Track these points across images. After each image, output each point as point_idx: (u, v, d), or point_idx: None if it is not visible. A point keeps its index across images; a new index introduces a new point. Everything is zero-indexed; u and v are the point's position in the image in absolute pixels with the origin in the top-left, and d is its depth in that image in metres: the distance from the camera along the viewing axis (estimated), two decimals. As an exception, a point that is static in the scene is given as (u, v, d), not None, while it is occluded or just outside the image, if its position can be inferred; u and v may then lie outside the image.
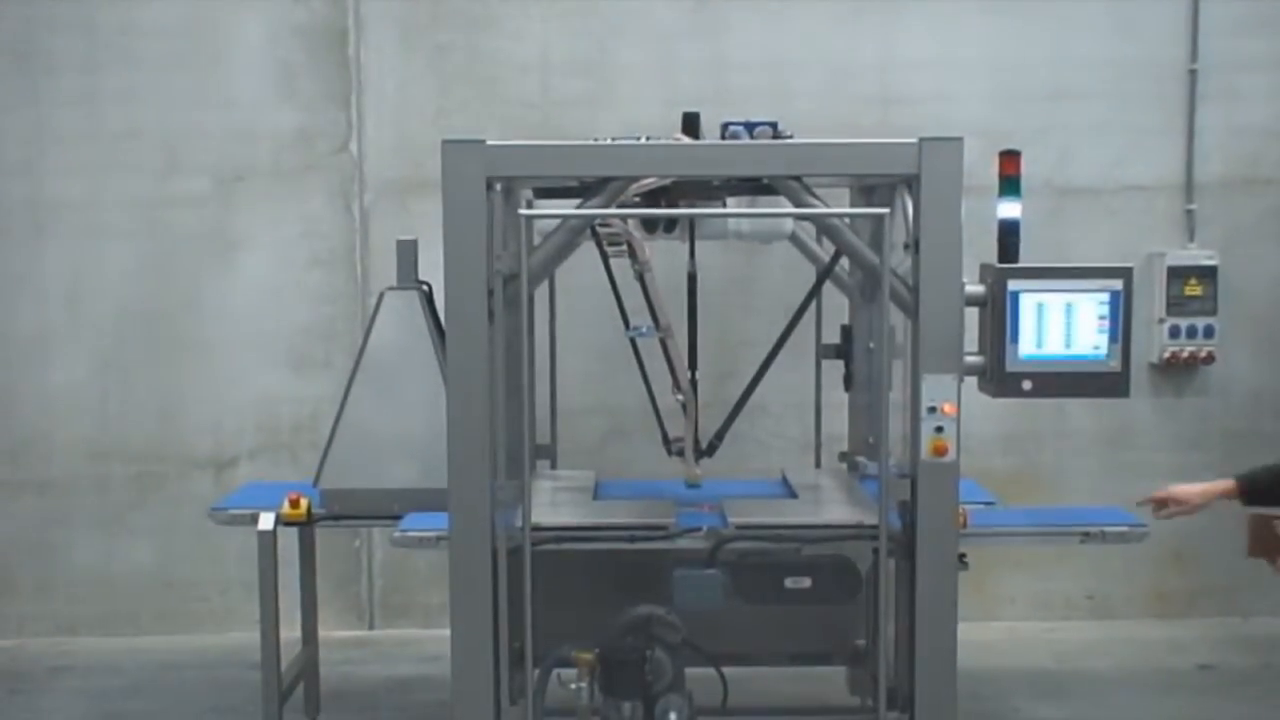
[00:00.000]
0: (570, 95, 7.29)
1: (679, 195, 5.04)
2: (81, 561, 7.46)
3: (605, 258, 5.37)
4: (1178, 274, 7.27)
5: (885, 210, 4.72)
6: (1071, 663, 6.85)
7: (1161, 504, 4.57)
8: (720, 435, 5.40)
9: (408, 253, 5.65)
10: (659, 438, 5.52)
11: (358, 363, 5.57)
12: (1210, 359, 7.31)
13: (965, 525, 4.96)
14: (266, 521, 5.44)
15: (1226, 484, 4.45)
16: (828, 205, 4.95)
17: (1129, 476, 7.31)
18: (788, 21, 7.29)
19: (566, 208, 5.03)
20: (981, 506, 5.48)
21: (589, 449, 7.07)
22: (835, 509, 5.40)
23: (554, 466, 6.35)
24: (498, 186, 4.68)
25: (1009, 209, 5.00)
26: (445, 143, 4.61)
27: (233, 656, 6.83)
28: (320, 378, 7.30)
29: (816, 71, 7.28)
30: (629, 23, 7.31)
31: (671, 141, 4.87)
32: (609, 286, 5.46)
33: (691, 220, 5.23)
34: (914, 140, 4.59)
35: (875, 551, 4.78)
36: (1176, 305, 7.27)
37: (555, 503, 5.48)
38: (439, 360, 5.32)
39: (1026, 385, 4.89)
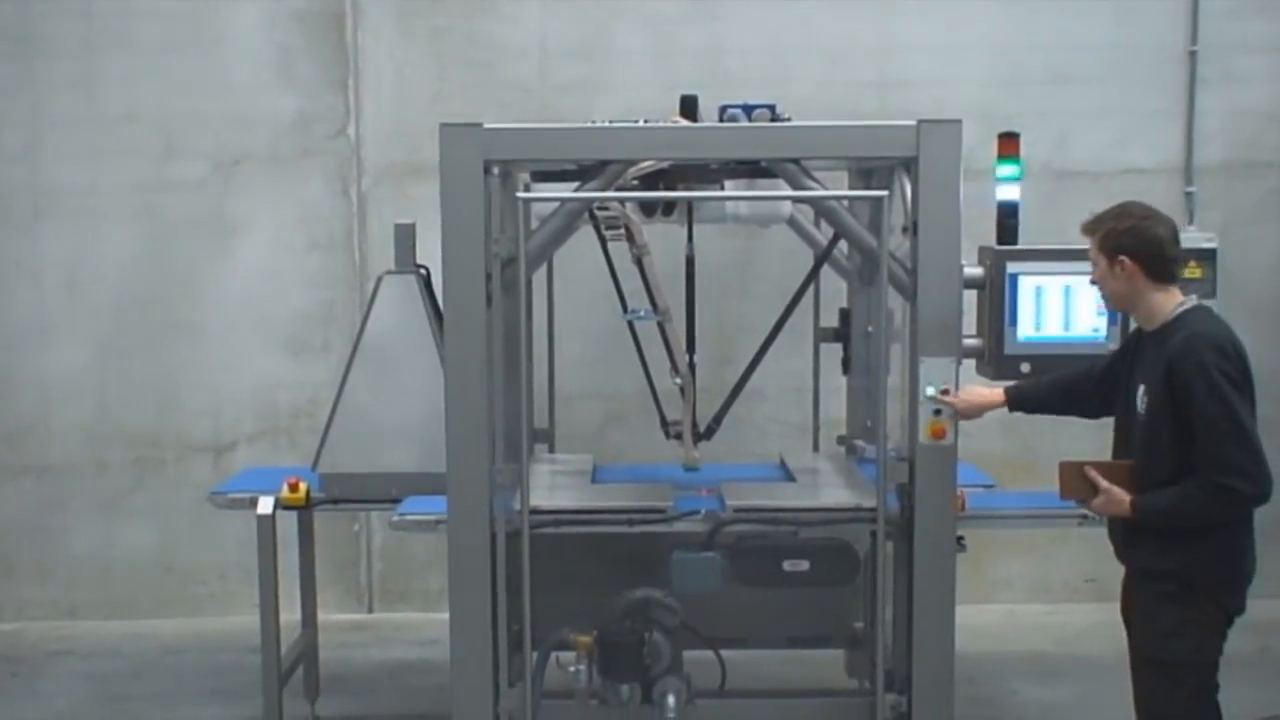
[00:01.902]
0: (568, 79, 7.28)
1: (677, 178, 5.04)
2: (81, 545, 7.48)
3: (603, 241, 5.36)
4: (1177, 257, 7.26)
5: (884, 193, 4.71)
6: (1070, 646, 6.86)
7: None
8: (718, 419, 5.41)
9: (406, 237, 5.64)
10: (657, 421, 5.52)
11: (356, 347, 5.57)
12: (1209, 342, 7.30)
13: (963, 508, 4.97)
14: (265, 505, 5.44)
15: (997, 395, 4.64)
16: (826, 188, 4.95)
17: (1127, 460, 7.33)
18: (786, 6, 7.28)
19: (564, 191, 5.02)
20: (980, 489, 5.48)
21: (587, 433, 7.09)
22: (833, 492, 5.40)
23: (552, 450, 6.36)
24: (495, 170, 4.67)
25: (1008, 191, 4.99)
26: (443, 126, 4.60)
27: (232, 640, 6.85)
28: (318, 362, 7.31)
29: (815, 56, 7.27)
30: (627, 7, 7.30)
31: (669, 124, 4.86)
32: (607, 270, 5.46)
33: (689, 203, 5.22)
34: (913, 123, 4.58)
35: (873, 534, 4.79)
36: (1176, 288, 7.26)
37: (553, 486, 5.49)
38: (437, 344, 5.31)
39: (1025, 368, 4.90)
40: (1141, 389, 4.11)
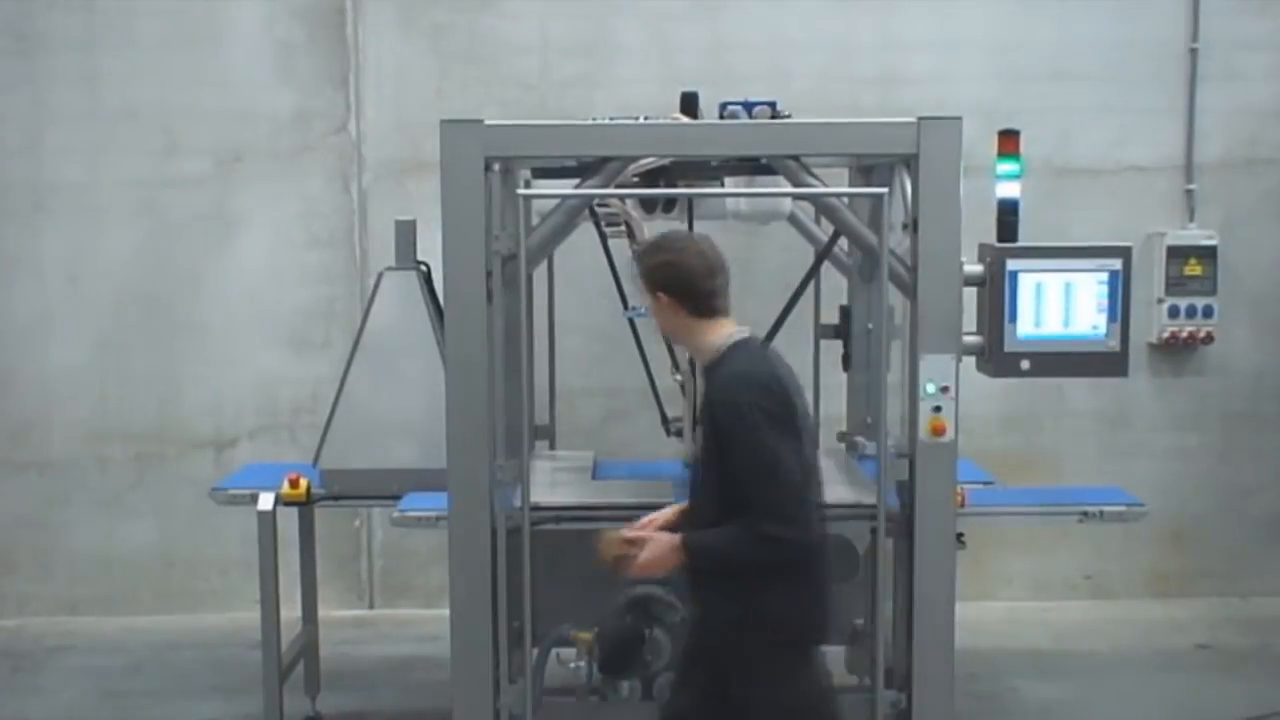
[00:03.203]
0: (569, 75, 7.27)
1: (677, 175, 5.04)
2: (82, 541, 7.48)
3: (604, 238, 5.37)
4: (1177, 254, 7.27)
5: (884, 190, 4.71)
6: (1069, 643, 6.87)
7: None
8: (719, 416, 5.40)
9: (406, 233, 5.64)
10: (658, 418, 5.53)
11: (357, 343, 5.57)
12: (1209, 339, 7.32)
13: (963, 505, 4.97)
14: (266, 502, 5.44)
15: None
16: (826, 185, 4.95)
17: (1127, 456, 7.35)
18: (786, 2, 7.28)
19: (565, 188, 5.02)
20: (980, 486, 5.48)
21: (588, 429, 7.08)
22: (833, 489, 5.34)
23: (553, 447, 6.36)
24: (496, 167, 4.67)
25: (1008, 189, 4.99)
26: (444, 123, 4.60)
27: (233, 636, 6.86)
28: (319, 358, 7.31)
29: (815, 52, 7.26)
30: (627, 4, 7.29)
31: (670, 121, 4.86)
32: (607, 267, 5.46)
33: (690, 200, 5.22)
34: (913, 120, 4.58)
35: (873, 531, 4.78)
36: (1176, 285, 7.27)
37: (554, 483, 5.49)
38: (438, 341, 5.32)
39: (1025, 365, 4.90)
40: (697, 429, 3.95)
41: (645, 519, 4.09)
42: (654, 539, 3.88)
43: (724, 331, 3.92)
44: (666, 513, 4.10)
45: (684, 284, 3.89)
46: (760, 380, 3.79)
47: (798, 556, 3.77)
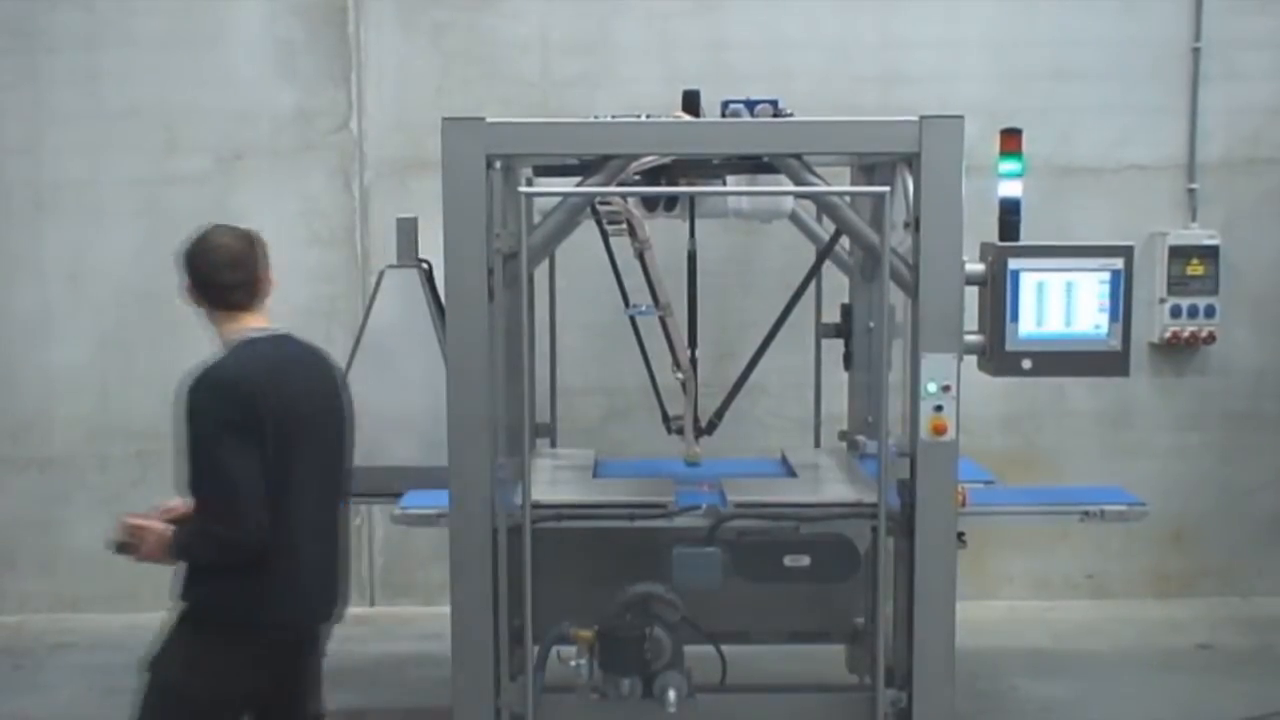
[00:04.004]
0: (570, 74, 7.27)
1: (679, 173, 5.03)
2: (83, 539, 7.46)
3: (605, 236, 5.36)
4: (1179, 253, 7.27)
5: (886, 189, 4.70)
6: (1070, 642, 6.87)
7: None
8: (720, 414, 5.41)
9: (408, 231, 5.64)
10: (659, 416, 5.53)
11: (358, 341, 5.57)
12: (1211, 339, 7.32)
13: (964, 504, 4.96)
14: (267, 500, 5.43)
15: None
16: (828, 184, 4.94)
17: (1128, 456, 7.35)
18: (787, 1, 7.27)
19: (566, 186, 5.02)
20: (980, 485, 5.48)
21: (589, 428, 7.08)
22: (834, 488, 5.40)
23: (554, 445, 6.35)
24: (497, 165, 4.67)
25: (1010, 188, 4.99)
26: (445, 121, 4.60)
27: (234, 634, 6.85)
28: (320, 357, 7.29)
29: (817, 51, 7.27)
30: (628, 2, 7.29)
31: (671, 119, 4.86)
32: (609, 265, 5.46)
33: (691, 198, 5.22)
34: (915, 118, 4.58)
35: (874, 530, 4.78)
36: (1178, 285, 7.28)
37: (555, 481, 5.48)
38: (439, 339, 5.32)
39: (1026, 364, 4.89)
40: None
41: (163, 506, 4.16)
42: (154, 530, 3.98)
43: (238, 327, 3.99)
44: (183, 504, 4.11)
45: (202, 275, 4.00)
46: (219, 381, 3.85)
47: (244, 558, 3.85)
